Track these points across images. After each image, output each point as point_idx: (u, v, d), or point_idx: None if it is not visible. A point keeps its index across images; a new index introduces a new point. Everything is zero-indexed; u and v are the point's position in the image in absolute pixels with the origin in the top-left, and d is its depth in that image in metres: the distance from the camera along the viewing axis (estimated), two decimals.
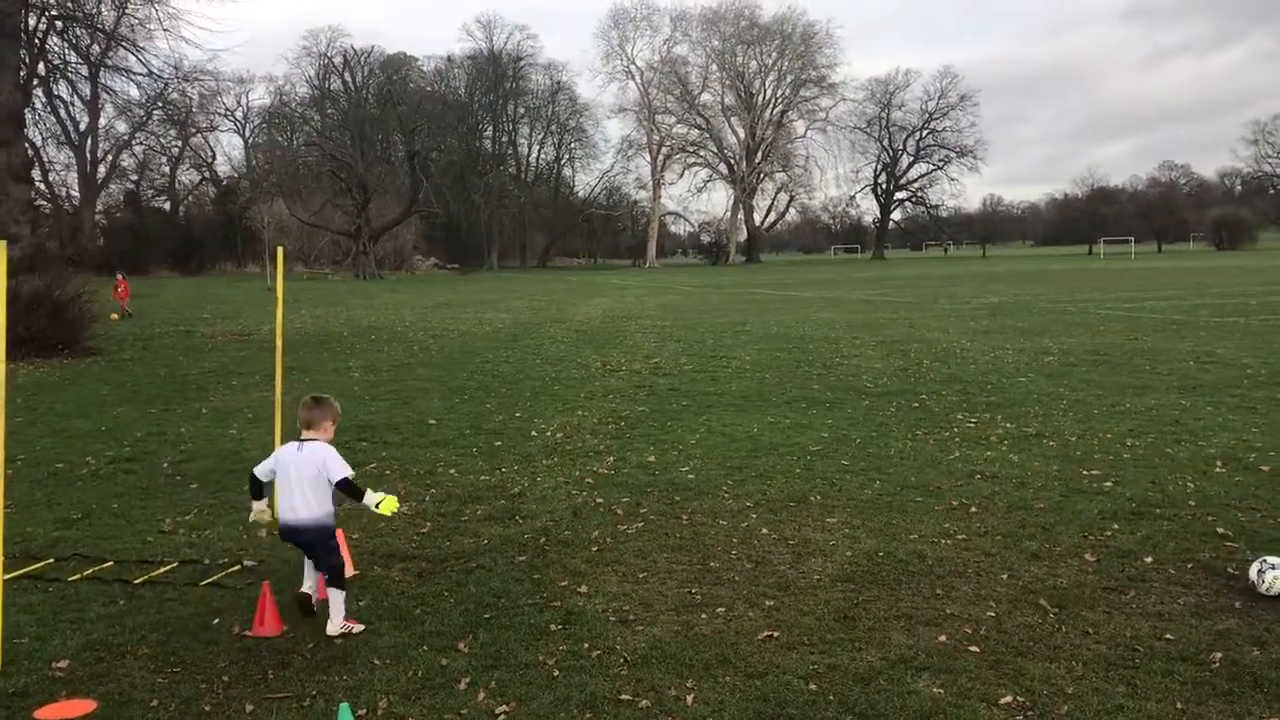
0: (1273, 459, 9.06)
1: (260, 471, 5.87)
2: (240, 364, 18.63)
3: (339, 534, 6.67)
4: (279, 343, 8.36)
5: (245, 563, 6.79)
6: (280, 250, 8.45)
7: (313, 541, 5.67)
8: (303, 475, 5.60)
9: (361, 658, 5.15)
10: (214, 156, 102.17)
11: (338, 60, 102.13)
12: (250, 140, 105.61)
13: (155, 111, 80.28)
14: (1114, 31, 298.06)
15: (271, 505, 5.93)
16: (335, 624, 5.50)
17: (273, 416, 8.33)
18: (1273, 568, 5.78)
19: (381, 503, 5.54)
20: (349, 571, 6.43)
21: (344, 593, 5.62)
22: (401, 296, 44.47)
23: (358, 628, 5.53)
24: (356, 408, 13.24)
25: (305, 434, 5.79)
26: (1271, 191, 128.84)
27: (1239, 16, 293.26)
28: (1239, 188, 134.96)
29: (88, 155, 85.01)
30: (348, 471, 5.63)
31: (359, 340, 23.34)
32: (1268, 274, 46.45)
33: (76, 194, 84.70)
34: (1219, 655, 4.95)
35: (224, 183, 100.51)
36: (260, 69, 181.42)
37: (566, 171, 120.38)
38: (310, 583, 5.81)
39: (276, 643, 5.37)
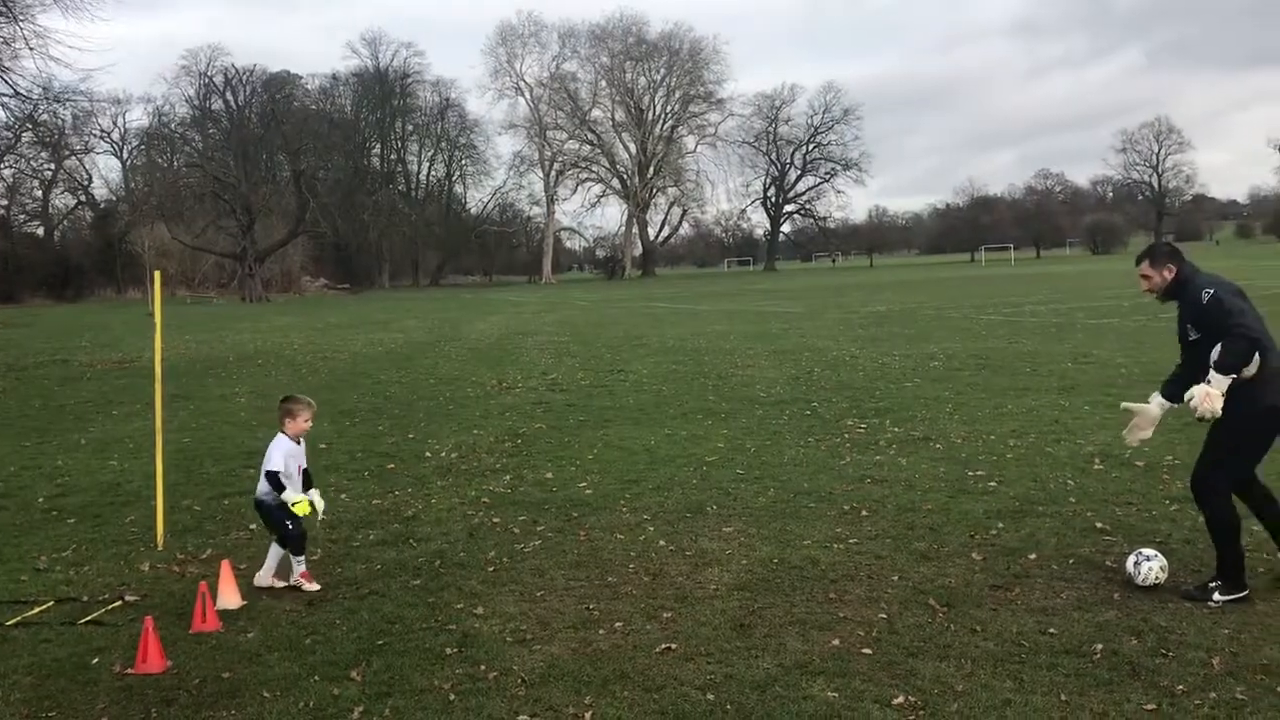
0: (1147, 455, 9.41)
1: (276, 464, 6.63)
2: (121, 393, 18.01)
3: (225, 564, 6.51)
4: (158, 370, 8.12)
5: (127, 597, 6.54)
6: (157, 274, 8.22)
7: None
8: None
9: (250, 691, 5.00)
10: (90, 179, 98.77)
11: (218, 80, 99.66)
12: (129, 162, 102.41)
13: (25, 134, 77.28)
14: (998, 47, 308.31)
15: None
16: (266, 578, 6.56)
17: (154, 445, 8.07)
18: (1148, 559, 6.00)
19: (296, 504, 6.46)
20: (235, 603, 6.27)
21: (299, 558, 6.57)
22: (290, 319, 43.54)
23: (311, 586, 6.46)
24: (243, 434, 12.91)
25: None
26: (1140, 197, 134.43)
27: (1114, 31, 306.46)
28: (1110, 194, 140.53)
29: None
30: (270, 466, 6.58)
31: (246, 365, 22.77)
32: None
33: None
34: (1100, 646, 5.11)
35: (102, 206, 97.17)
36: (137, 89, 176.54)
37: (458, 189, 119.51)
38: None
39: (161, 680, 5.19)
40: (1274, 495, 6.03)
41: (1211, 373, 5.60)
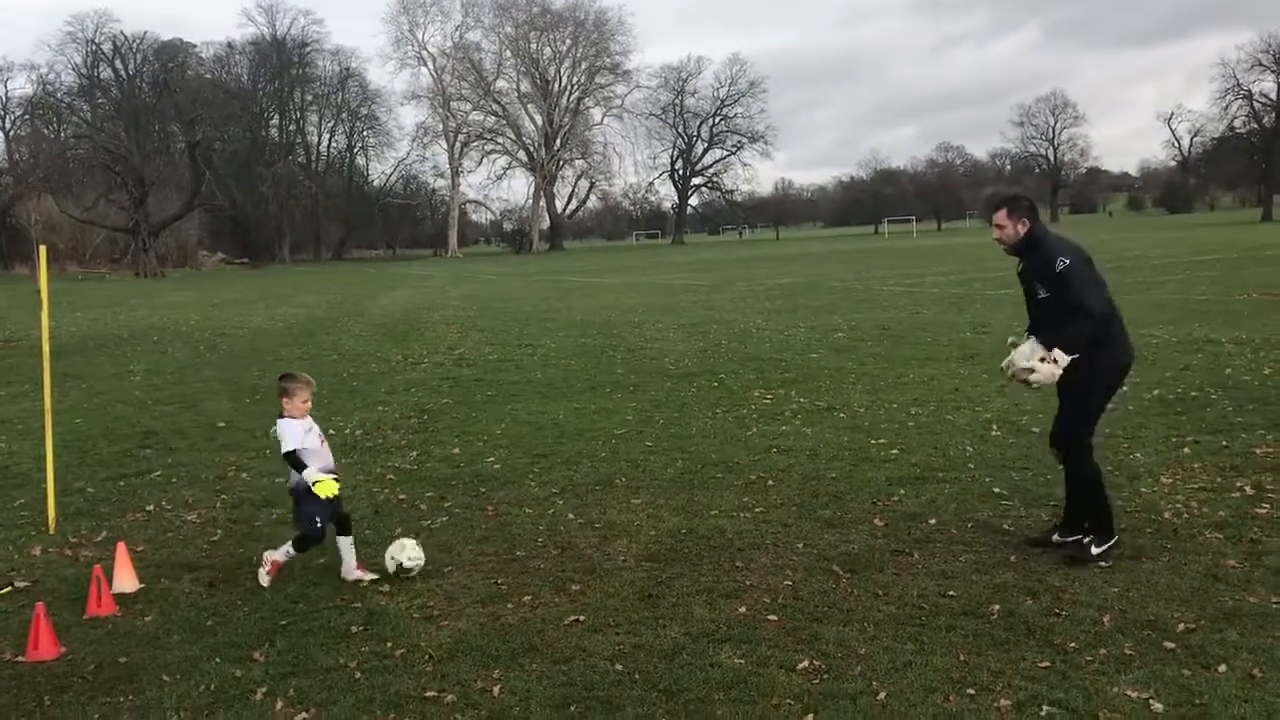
0: (1042, 421, 9.67)
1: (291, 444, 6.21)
2: (8, 373, 17.34)
3: (120, 546, 6.33)
4: (46, 348, 7.83)
5: (16, 583, 6.32)
6: (42, 250, 7.92)
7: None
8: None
9: (149, 674, 4.88)
10: None
11: (107, 47, 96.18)
12: (12, 133, 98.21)
13: None
14: (902, 22, 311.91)
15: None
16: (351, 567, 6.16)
17: (45, 426, 7.79)
18: (400, 559, 6.04)
19: (319, 483, 6.06)
20: (132, 586, 6.11)
21: (290, 554, 6.18)
22: (186, 294, 42.38)
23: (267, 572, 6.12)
24: (138, 414, 12.55)
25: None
26: (1037, 170, 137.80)
27: (1016, 9, 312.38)
28: (1009, 167, 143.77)
29: None
30: (286, 447, 6.19)
31: (140, 342, 22.10)
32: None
33: None
34: (997, 608, 5.27)
35: None
36: (19, 56, 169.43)
37: (360, 160, 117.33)
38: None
39: (53, 666, 5.03)
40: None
41: (1057, 352, 5.89)
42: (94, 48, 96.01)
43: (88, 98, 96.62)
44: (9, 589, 6.24)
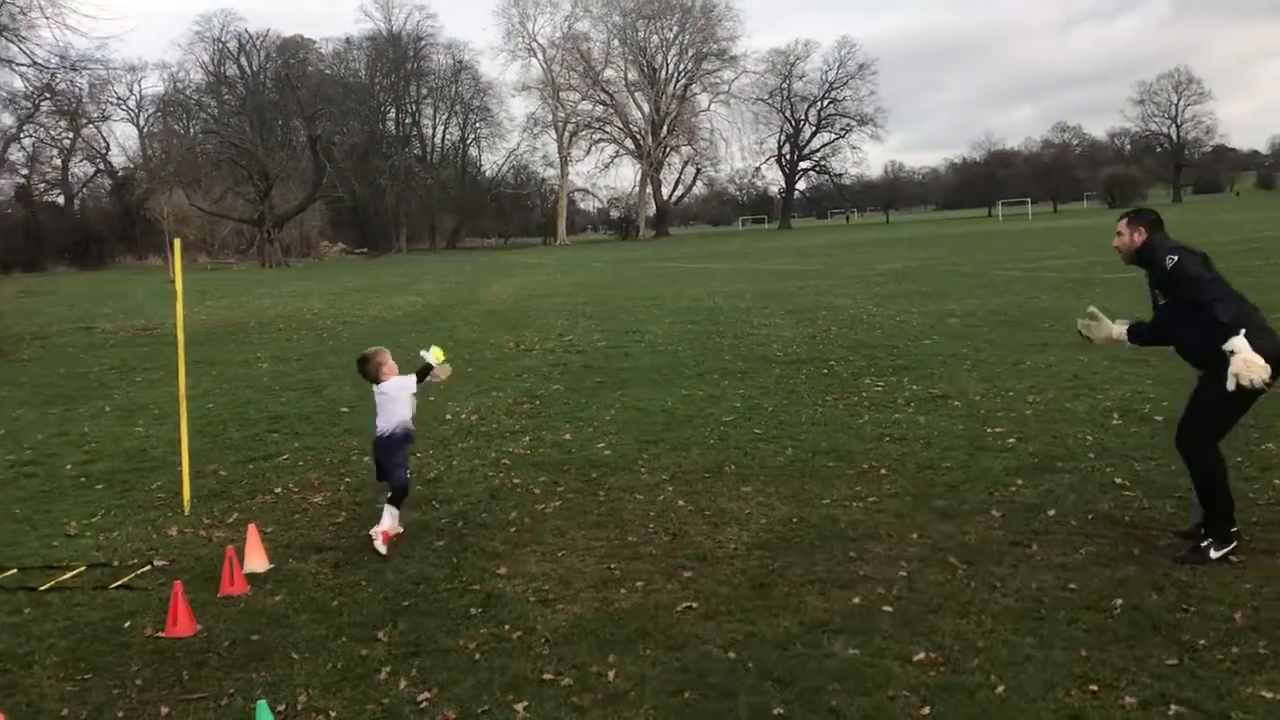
0: (1166, 409, 9.38)
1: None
2: (144, 359, 18.16)
3: (251, 528, 6.60)
4: (180, 337, 8.18)
5: (155, 563, 6.64)
6: (177, 242, 8.26)
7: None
8: (397, 399, 6.97)
9: (279, 652, 5.09)
10: (108, 147, 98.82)
11: (232, 45, 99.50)
12: (145, 129, 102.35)
13: (43, 103, 77.33)
14: (1027, 1, 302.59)
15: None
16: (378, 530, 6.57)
17: (179, 411, 8.15)
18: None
19: (432, 351, 7.08)
20: (262, 567, 6.36)
21: (395, 514, 6.71)
22: (309, 284, 43.67)
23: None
24: (266, 399, 13.01)
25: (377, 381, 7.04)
26: (1158, 149, 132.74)
27: None
28: (1128, 147, 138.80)
29: None
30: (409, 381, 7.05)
31: (267, 330, 22.89)
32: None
33: None
34: (1120, 602, 5.14)
35: (120, 174, 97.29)
36: (152, 56, 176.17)
37: (473, 151, 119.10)
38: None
39: (191, 643, 5.28)
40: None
41: (1231, 340, 5.39)
42: (220, 46, 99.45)
43: (215, 94, 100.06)
44: (148, 568, 6.56)
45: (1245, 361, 5.36)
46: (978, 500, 7.01)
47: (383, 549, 6.49)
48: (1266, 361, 5.38)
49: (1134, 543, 6.01)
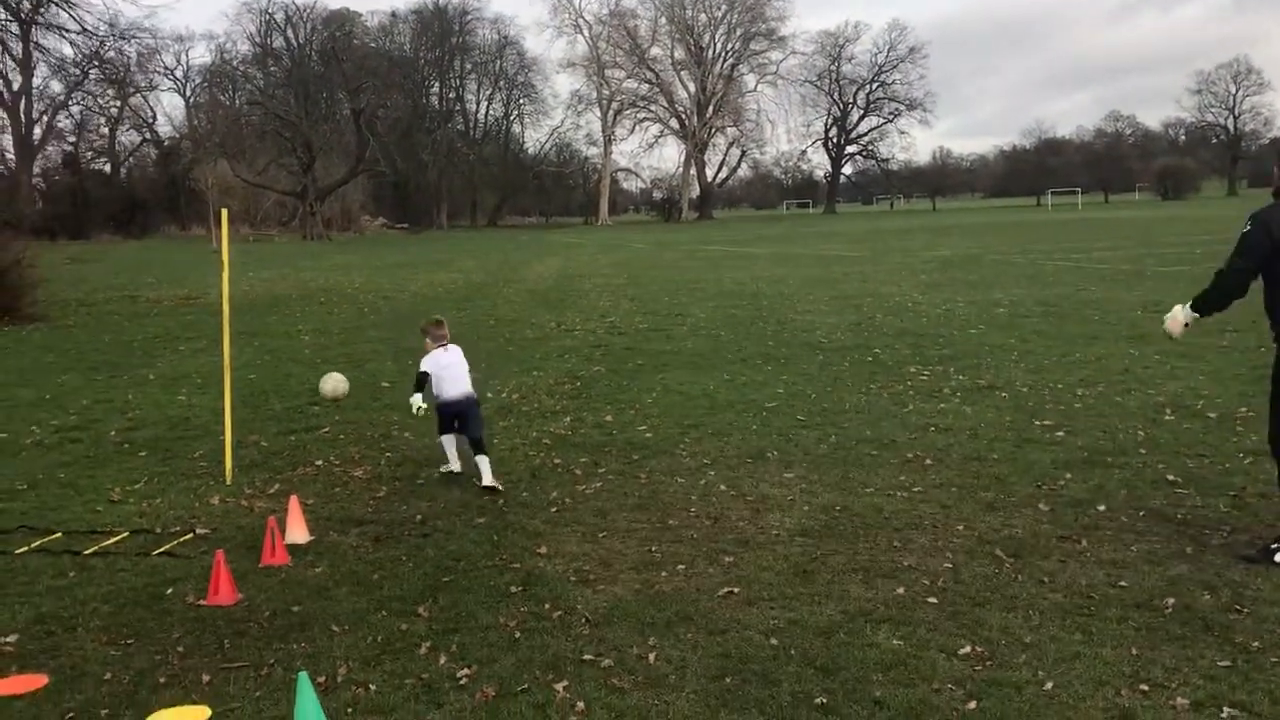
0: (1220, 406, 9.21)
1: (425, 367, 7.81)
2: (187, 329, 18.33)
3: (293, 499, 6.62)
4: (225, 308, 8.21)
5: (198, 531, 6.68)
6: (224, 213, 8.28)
7: (466, 410, 7.77)
8: (463, 367, 7.90)
9: (319, 624, 5.10)
10: (154, 117, 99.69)
11: (279, 17, 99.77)
12: (191, 100, 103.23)
13: (91, 71, 78.34)
14: None
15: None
16: (488, 478, 7.40)
17: (222, 381, 8.20)
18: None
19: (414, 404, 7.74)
20: (303, 538, 6.38)
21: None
22: (350, 258, 43.93)
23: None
24: (307, 372, 13.07)
25: (449, 343, 7.99)
26: (1214, 141, 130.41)
27: None
28: (1183, 137, 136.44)
29: (22, 117, 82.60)
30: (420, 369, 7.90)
31: (308, 303, 23.04)
32: (1210, 223, 47.18)
33: (12, 156, 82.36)
34: (1171, 601, 5.03)
35: (165, 144, 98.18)
36: (200, 26, 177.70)
37: (516, 128, 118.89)
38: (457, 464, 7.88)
39: (232, 612, 5.30)
40: None
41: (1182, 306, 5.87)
42: (267, 17, 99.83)
43: (260, 66, 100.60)
44: (190, 535, 6.60)
45: (1174, 317, 5.68)
46: (1025, 493, 6.90)
47: (458, 467, 7.84)
48: None
49: (1186, 541, 5.89)
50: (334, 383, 8.30)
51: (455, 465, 7.88)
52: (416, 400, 7.61)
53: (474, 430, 7.68)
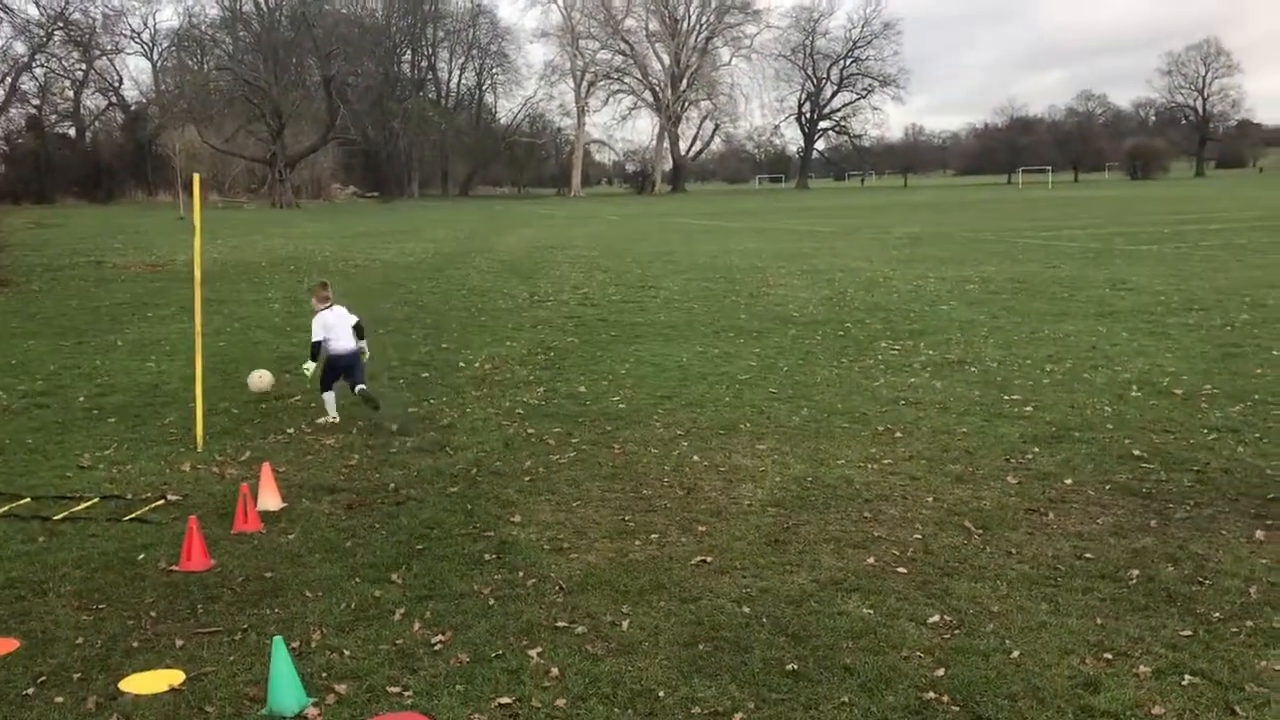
0: (1185, 383, 9.34)
1: (318, 335, 8.55)
2: (156, 295, 18.14)
3: (265, 466, 6.60)
4: (197, 274, 8.16)
5: (169, 497, 6.66)
6: (196, 178, 8.20)
7: (354, 363, 8.68)
8: (347, 324, 8.74)
9: (293, 590, 5.10)
10: (121, 80, 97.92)
11: None
12: (159, 64, 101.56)
13: (56, 32, 76.93)
14: None
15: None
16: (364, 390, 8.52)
17: (193, 348, 8.14)
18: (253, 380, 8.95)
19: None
20: (275, 505, 6.37)
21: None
22: (320, 226, 43.55)
23: None
24: (278, 339, 13.00)
25: (333, 304, 8.81)
26: (1183, 121, 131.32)
27: None
28: (1153, 118, 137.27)
29: None
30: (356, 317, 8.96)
31: (278, 271, 22.84)
32: (1179, 203, 47.59)
33: None
34: (1136, 572, 5.12)
35: (132, 108, 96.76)
36: None
37: (488, 98, 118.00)
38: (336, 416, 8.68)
39: (205, 577, 5.30)
40: None
41: None
42: None
43: (230, 30, 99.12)
44: (162, 501, 6.57)
45: None
46: (994, 466, 6.99)
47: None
48: None
49: (1150, 515, 5.99)
50: (256, 377, 9.40)
51: (335, 416, 8.66)
52: (310, 367, 8.62)
53: (359, 378, 8.68)
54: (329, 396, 8.72)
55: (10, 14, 70.17)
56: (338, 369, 8.70)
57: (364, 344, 8.90)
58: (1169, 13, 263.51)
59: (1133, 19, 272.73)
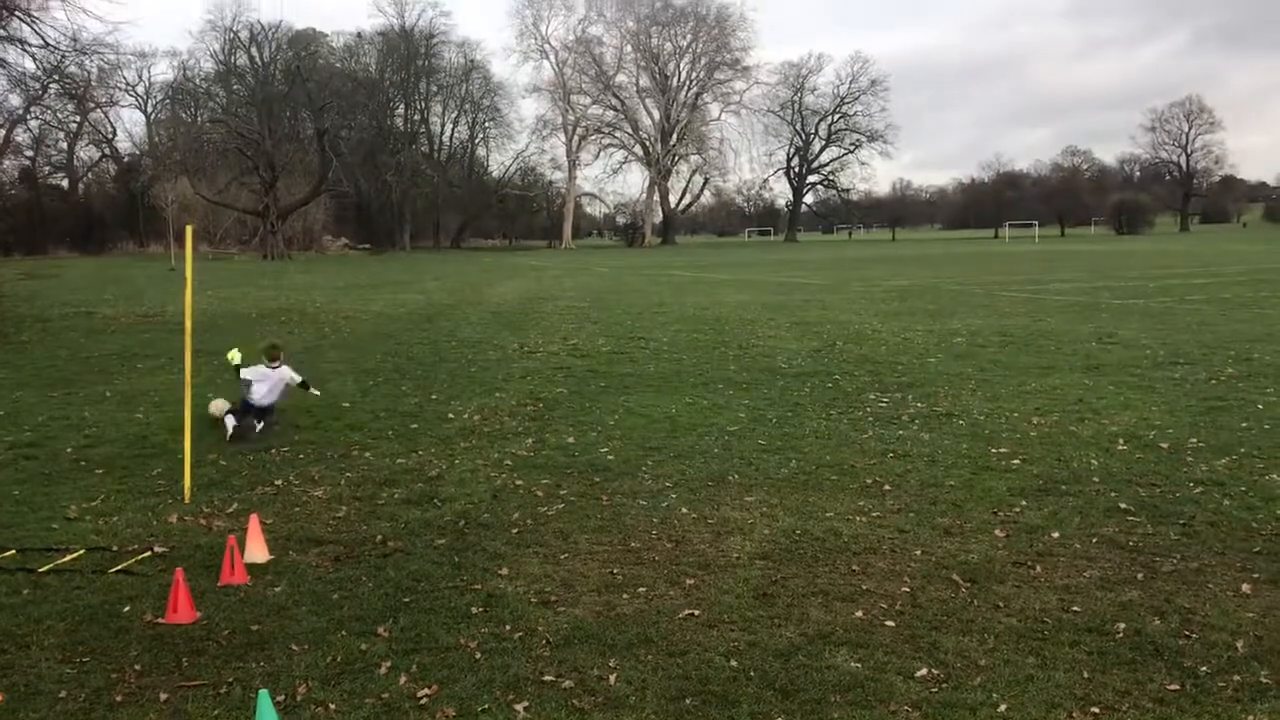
0: (1171, 436, 9.39)
1: (247, 376, 10.14)
2: (146, 346, 18.12)
3: (253, 518, 6.58)
4: (188, 325, 8.18)
5: (156, 549, 6.62)
6: (188, 229, 8.25)
7: (267, 415, 10.19)
8: (280, 384, 10.34)
9: (279, 643, 5.07)
10: (115, 133, 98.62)
11: (244, 35, 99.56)
12: (153, 116, 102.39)
13: (52, 85, 77.31)
14: (1050, 27, 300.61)
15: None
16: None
17: (181, 399, 8.14)
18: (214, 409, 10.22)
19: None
20: (263, 557, 6.35)
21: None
22: (311, 277, 43.66)
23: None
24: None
25: (273, 364, 10.34)
26: (1167, 178, 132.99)
27: (1168, 14, 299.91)
28: (1138, 174, 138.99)
29: None
30: (300, 377, 10.66)
31: (268, 322, 22.87)
32: (1164, 258, 48.04)
33: None
34: (1122, 626, 5.13)
35: (125, 160, 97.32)
36: (163, 43, 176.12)
37: (481, 151, 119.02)
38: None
39: (190, 630, 5.27)
40: None
41: None
42: (232, 35, 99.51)
43: (224, 84, 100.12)
44: (148, 553, 6.54)
45: None
46: (981, 519, 7.00)
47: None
48: None
49: (1137, 568, 6.00)
50: (215, 405, 10.51)
51: (229, 430, 9.87)
52: (239, 372, 10.27)
53: (265, 431, 10.07)
54: (230, 420, 9.95)
55: (7, 67, 70.63)
56: (253, 411, 10.07)
57: (311, 389, 10.84)
58: (1152, 73, 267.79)
59: (1116, 79, 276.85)
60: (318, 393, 10.73)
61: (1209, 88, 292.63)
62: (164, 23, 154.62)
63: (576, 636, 5.10)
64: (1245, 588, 5.63)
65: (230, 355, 10.28)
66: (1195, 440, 9.20)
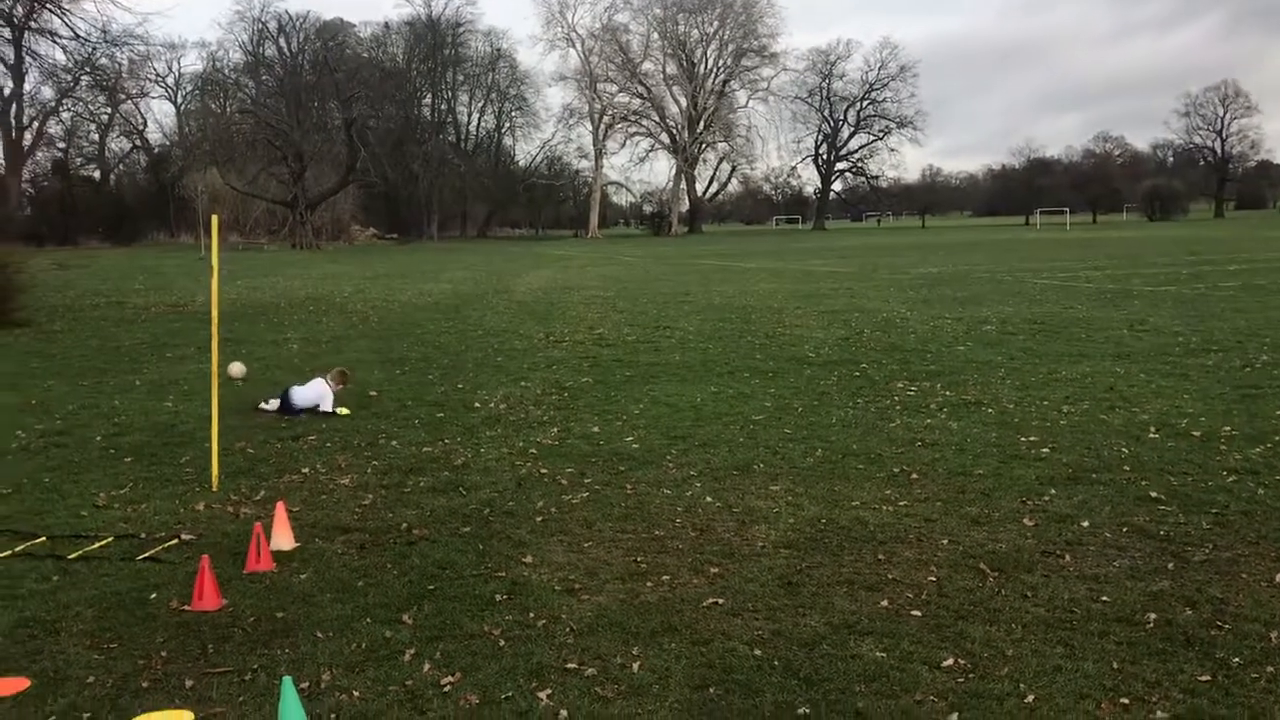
0: (1204, 425, 9.27)
1: (311, 403, 10.85)
2: (175, 336, 18.28)
3: (279, 506, 6.61)
4: (215, 315, 8.21)
5: (183, 537, 6.67)
6: (215, 219, 8.28)
7: (299, 413, 10.71)
8: (328, 398, 10.85)
9: (304, 630, 5.09)
10: (145, 124, 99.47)
11: (272, 26, 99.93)
12: (182, 107, 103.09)
13: (83, 77, 78.05)
14: (1083, 8, 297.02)
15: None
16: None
17: (209, 388, 8.18)
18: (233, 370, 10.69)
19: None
20: (289, 545, 6.37)
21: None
22: (340, 267, 43.87)
23: None
24: (294, 379, 13.02)
25: (336, 384, 11.06)
26: (1202, 163, 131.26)
27: None
28: (1171, 159, 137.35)
29: (12, 121, 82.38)
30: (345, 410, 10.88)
31: (296, 311, 23.00)
32: (1197, 244, 47.45)
33: (1, 161, 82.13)
34: (1153, 616, 5.06)
35: (156, 151, 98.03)
36: (192, 34, 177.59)
37: (507, 140, 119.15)
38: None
39: (216, 617, 5.29)
40: None
41: None
42: (260, 26, 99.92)
43: (253, 74, 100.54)
44: (176, 541, 6.58)
45: None
46: (1010, 508, 6.93)
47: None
48: None
49: (1168, 557, 5.92)
50: (236, 367, 12.00)
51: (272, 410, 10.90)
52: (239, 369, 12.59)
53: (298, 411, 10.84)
54: (273, 403, 11.08)
55: (39, 59, 71.24)
56: (287, 408, 10.84)
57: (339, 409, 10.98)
58: (1187, 57, 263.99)
59: (1150, 62, 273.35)
60: (347, 413, 10.81)
61: (1245, 71, 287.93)
62: (193, 14, 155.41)
63: (600, 624, 5.09)
64: (1279, 578, 5.54)
65: (231, 369, 11.27)
66: (1228, 428, 9.08)
